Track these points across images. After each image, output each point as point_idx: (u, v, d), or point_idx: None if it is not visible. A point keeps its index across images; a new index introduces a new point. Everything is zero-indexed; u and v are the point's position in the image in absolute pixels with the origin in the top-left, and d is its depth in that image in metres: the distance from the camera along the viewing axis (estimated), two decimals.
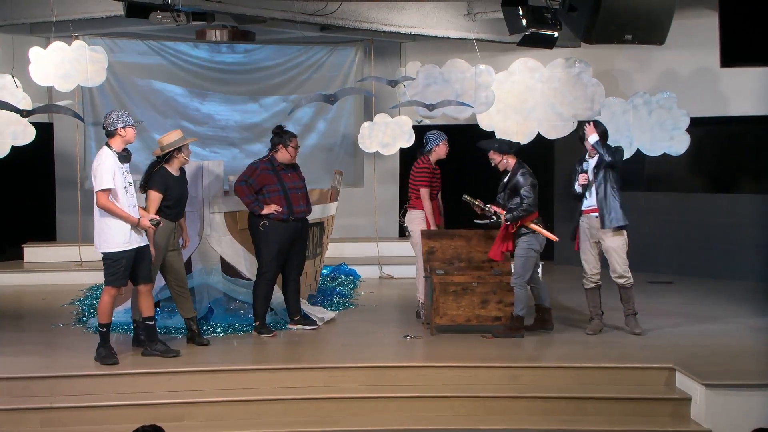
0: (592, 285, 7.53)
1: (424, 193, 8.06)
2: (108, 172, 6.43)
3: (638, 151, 10.03)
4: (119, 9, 9.11)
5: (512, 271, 7.51)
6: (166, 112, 11.76)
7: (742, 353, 7.00)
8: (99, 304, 6.68)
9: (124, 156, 6.60)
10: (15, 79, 9.65)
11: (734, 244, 10.45)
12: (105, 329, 6.62)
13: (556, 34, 8.71)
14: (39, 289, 9.93)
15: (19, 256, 11.09)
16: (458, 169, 9.54)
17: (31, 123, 9.91)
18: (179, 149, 7.06)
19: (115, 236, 6.48)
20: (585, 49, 10.48)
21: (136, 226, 6.52)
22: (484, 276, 7.56)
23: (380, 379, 6.58)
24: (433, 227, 8.05)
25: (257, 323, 7.57)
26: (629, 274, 7.42)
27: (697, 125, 9.92)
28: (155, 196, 6.96)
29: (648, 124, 10.00)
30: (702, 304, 8.91)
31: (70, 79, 9.94)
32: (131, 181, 6.64)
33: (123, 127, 6.54)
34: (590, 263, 7.50)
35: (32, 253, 11.08)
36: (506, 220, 7.32)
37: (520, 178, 7.37)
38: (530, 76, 10.65)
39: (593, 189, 7.37)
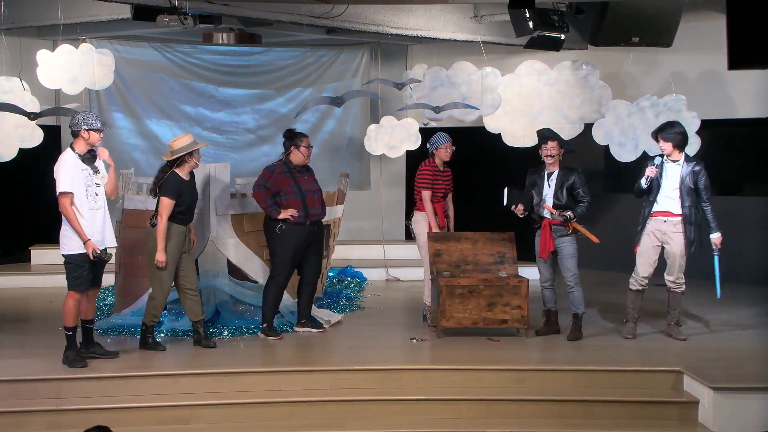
0: (640, 288, 7.52)
1: (425, 195, 8.08)
2: (66, 174, 6.40)
3: (644, 154, 10.00)
4: (126, 12, 9.16)
5: (566, 271, 7.44)
6: (172, 115, 11.78)
7: (750, 356, 6.97)
8: (63, 309, 6.63)
9: (88, 158, 6.55)
10: (23, 81, 9.66)
11: (741, 247, 10.40)
12: (71, 332, 6.60)
13: (563, 37, 8.71)
14: (46, 292, 9.94)
15: (26, 258, 11.12)
16: (465, 171, 9.51)
17: (38, 126, 9.92)
18: (190, 154, 7.04)
19: (76, 239, 6.47)
20: (592, 51, 10.47)
21: (83, 241, 6.45)
22: (491, 279, 7.55)
23: (386, 381, 6.57)
24: (435, 229, 8.04)
25: (264, 325, 7.58)
26: (683, 281, 7.44)
27: (704, 128, 9.88)
28: (167, 203, 6.93)
29: (655, 126, 9.93)
30: (709, 308, 8.86)
31: (78, 82, 9.95)
32: (99, 182, 6.57)
33: (87, 130, 6.49)
34: (647, 267, 7.45)
35: (39, 255, 11.12)
36: (574, 218, 7.32)
37: (576, 178, 7.38)
38: (537, 79, 10.63)
39: (677, 199, 7.32)
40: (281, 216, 7.45)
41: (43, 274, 10.57)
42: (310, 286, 7.81)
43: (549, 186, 7.42)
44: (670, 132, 7.37)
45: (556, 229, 7.40)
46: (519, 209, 7.34)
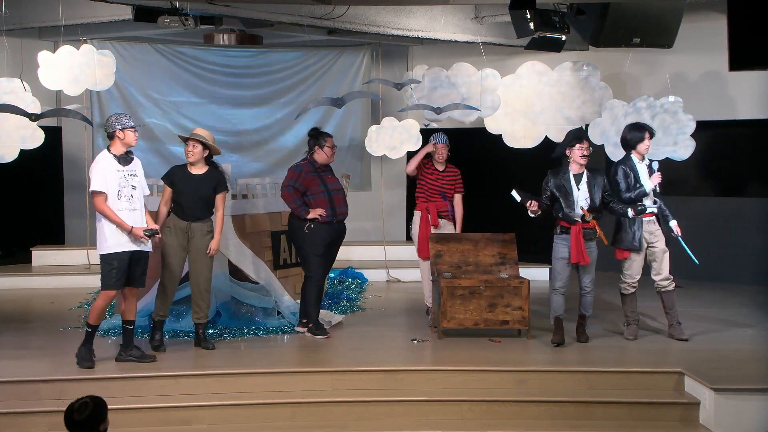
0: (633, 290, 7.52)
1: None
2: (99, 174, 6.42)
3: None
4: (128, 13, 9.16)
5: (587, 275, 7.32)
6: (174, 116, 11.79)
7: (751, 357, 6.97)
8: (92, 306, 6.64)
9: (125, 158, 6.56)
10: (24, 82, 9.67)
11: (742, 248, 10.42)
12: (91, 330, 6.58)
13: (563, 38, 8.72)
14: (47, 293, 9.96)
15: (28, 259, 11.12)
16: (465, 172, 9.49)
17: (39, 127, 9.92)
18: (186, 143, 7.13)
19: (108, 238, 6.45)
20: (593, 52, 10.48)
21: (129, 233, 6.46)
22: (492, 280, 7.55)
23: (388, 382, 6.57)
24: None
25: (311, 324, 7.59)
26: (672, 277, 7.49)
27: (704, 129, 9.89)
28: (164, 188, 7.09)
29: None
30: (710, 309, 8.88)
31: (79, 83, 9.96)
32: (135, 185, 6.57)
33: (121, 129, 6.50)
34: (637, 269, 7.45)
35: (40, 256, 11.12)
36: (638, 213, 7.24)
37: (605, 180, 7.28)
38: (538, 80, 10.62)
39: (652, 198, 7.37)
40: (310, 216, 7.44)
41: (45, 275, 10.59)
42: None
43: (579, 189, 7.17)
44: (652, 130, 7.47)
45: (585, 233, 7.19)
46: (534, 206, 7.01)
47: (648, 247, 7.43)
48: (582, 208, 7.16)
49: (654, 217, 7.43)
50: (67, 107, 9.97)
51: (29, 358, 6.93)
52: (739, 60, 5.96)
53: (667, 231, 7.46)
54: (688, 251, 7.44)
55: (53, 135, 11.16)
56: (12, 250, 11.34)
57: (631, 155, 7.44)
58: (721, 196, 10.70)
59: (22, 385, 6.31)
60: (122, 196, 6.48)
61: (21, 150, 10.00)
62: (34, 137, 10.00)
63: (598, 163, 10.74)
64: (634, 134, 7.46)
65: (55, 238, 11.71)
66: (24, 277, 10.58)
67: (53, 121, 11.17)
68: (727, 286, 10.16)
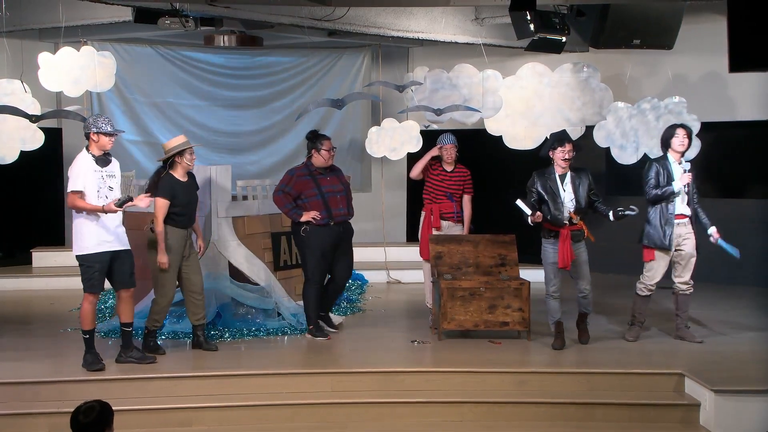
0: (649, 293, 7.47)
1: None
2: (79, 174, 6.42)
3: (645, 156, 10.00)
4: (128, 14, 9.16)
5: (583, 278, 7.24)
6: (174, 118, 11.80)
7: (752, 359, 6.96)
8: (80, 312, 6.61)
9: (102, 159, 6.55)
10: (24, 84, 9.67)
11: (742, 249, 10.35)
12: (88, 336, 6.56)
13: (564, 39, 8.72)
14: (47, 294, 9.96)
15: (28, 261, 11.13)
16: None
17: (40, 128, 9.92)
18: (181, 154, 7.00)
19: (86, 238, 6.43)
20: (593, 53, 10.48)
21: (104, 212, 6.39)
22: (492, 281, 7.55)
23: (388, 384, 6.57)
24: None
25: (311, 327, 7.59)
26: (692, 282, 7.45)
27: (705, 130, 9.88)
28: (162, 203, 6.91)
29: (655, 129, 9.90)
30: (710, 310, 8.87)
31: (79, 85, 9.95)
32: (112, 186, 6.56)
33: (96, 132, 6.49)
34: (660, 272, 7.40)
35: (41, 257, 11.13)
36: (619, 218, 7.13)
37: (589, 179, 7.21)
38: (538, 81, 10.63)
39: (684, 197, 7.31)
40: (303, 219, 7.42)
41: (45, 276, 10.59)
42: (336, 285, 7.82)
43: (564, 190, 7.12)
44: (685, 126, 7.43)
45: (574, 235, 7.13)
46: (539, 218, 6.92)
47: (675, 249, 7.35)
48: (570, 212, 7.10)
49: (687, 219, 7.33)
50: (67, 108, 9.96)
51: (29, 360, 6.94)
52: (740, 61, 5.95)
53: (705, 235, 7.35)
54: (727, 247, 7.39)
55: (53, 136, 11.16)
56: (12, 251, 11.35)
57: (668, 155, 7.36)
58: (721, 198, 10.68)
59: (22, 386, 6.32)
60: (100, 197, 6.47)
61: (21, 151, 10.00)
62: (34, 138, 10.00)
63: (599, 166, 10.79)
64: (665, 133, 7.43)
65: (56, 239, 11.70)
66: (24, 279, 10.59)
67: (53, 123, 11.17)
68: (727, 287, 10.15)
